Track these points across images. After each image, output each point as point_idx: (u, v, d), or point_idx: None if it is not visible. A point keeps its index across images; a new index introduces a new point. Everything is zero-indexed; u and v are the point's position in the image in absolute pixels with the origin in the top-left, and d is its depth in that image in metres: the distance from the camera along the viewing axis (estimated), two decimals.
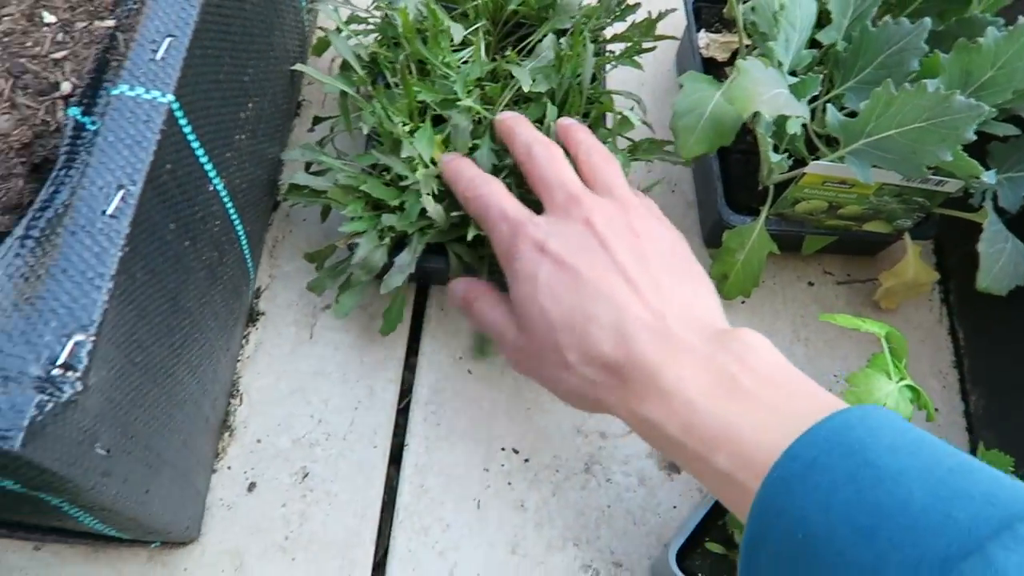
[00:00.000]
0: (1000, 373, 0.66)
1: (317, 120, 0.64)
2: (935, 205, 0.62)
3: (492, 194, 0.50)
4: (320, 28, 0.67)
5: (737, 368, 0.39)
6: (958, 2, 0.60)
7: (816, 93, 0.58)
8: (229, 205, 0.46)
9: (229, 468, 0.57)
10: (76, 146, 0.36)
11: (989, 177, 0.53)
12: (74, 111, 0.37)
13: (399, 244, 0.57)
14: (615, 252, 0.45)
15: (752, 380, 0.38)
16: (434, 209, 0.54)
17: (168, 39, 0.37)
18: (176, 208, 0.39)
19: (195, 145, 0.40)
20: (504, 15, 0.65)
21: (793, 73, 0.59)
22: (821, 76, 0.58)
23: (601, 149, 0.53)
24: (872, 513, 0.31)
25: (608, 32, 0.68)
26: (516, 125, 0.53)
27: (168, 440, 0.44)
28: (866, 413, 0.34)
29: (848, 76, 0.60)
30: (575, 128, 0.54)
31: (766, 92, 0.51)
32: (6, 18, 0.44)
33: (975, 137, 0.50)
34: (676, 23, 0.71)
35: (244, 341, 0.61)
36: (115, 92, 0.35)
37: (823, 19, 0.60)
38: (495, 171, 0.56)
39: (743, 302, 0.70)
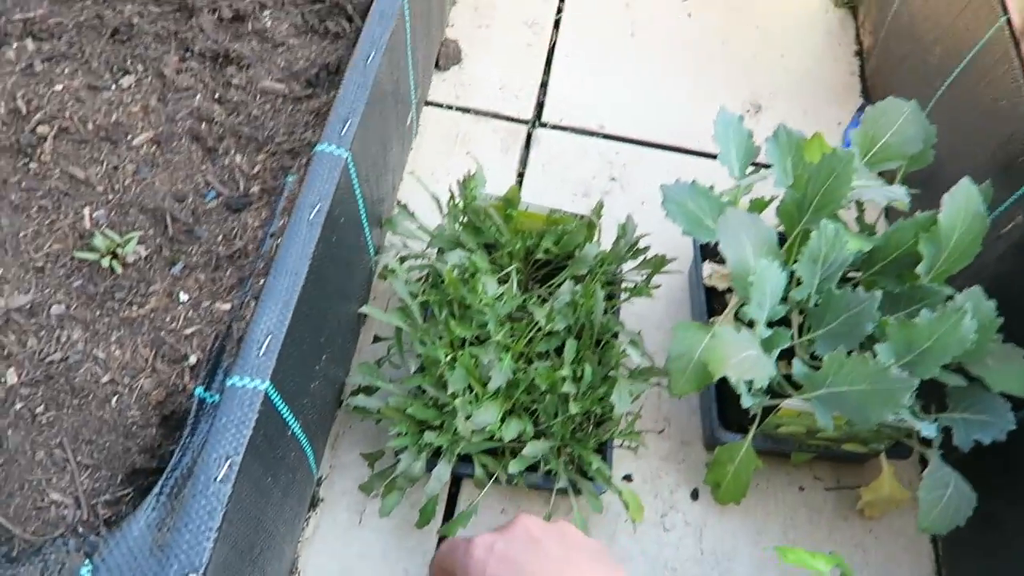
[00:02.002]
0: None
1: (377, 339, 0.79)
2: (903, 435, 0.72)
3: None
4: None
5: None
6: (912, 269, 0.71)
7: (788, 343, 0.69)
8: (303, 439, 0.60)
9: None
10: (199, 416, 0.50)
11: (928, 430, 0.63)
12: (199, 390, 0.51)
13: (436, 452, 0.70)
14: (548, 548, 0.53)
15: None
16: (464, 428, 0.67)
17: (268, 337, 0.52)
18: (263, 457, 0.52)
19: (282, 410, 0.54)
20: (534, 258, 0.80)
21: (772, 323, 0.71)
22: (791, 330, 0.70)
23: None
24: None
25: (625, 267, 0.82)
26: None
27: None
28: None
29: (818, 326, 0.71)
30: None
31: (735, 355, 0.63)
32: (152, 296, 0.60)
33: (911, 402, 0.60)
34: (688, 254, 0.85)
35: (305, 524, 0.73)
36: (229, 383, 0.50)
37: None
38: (511, 384, 0.69)
39: (738, 503, 0.79)
